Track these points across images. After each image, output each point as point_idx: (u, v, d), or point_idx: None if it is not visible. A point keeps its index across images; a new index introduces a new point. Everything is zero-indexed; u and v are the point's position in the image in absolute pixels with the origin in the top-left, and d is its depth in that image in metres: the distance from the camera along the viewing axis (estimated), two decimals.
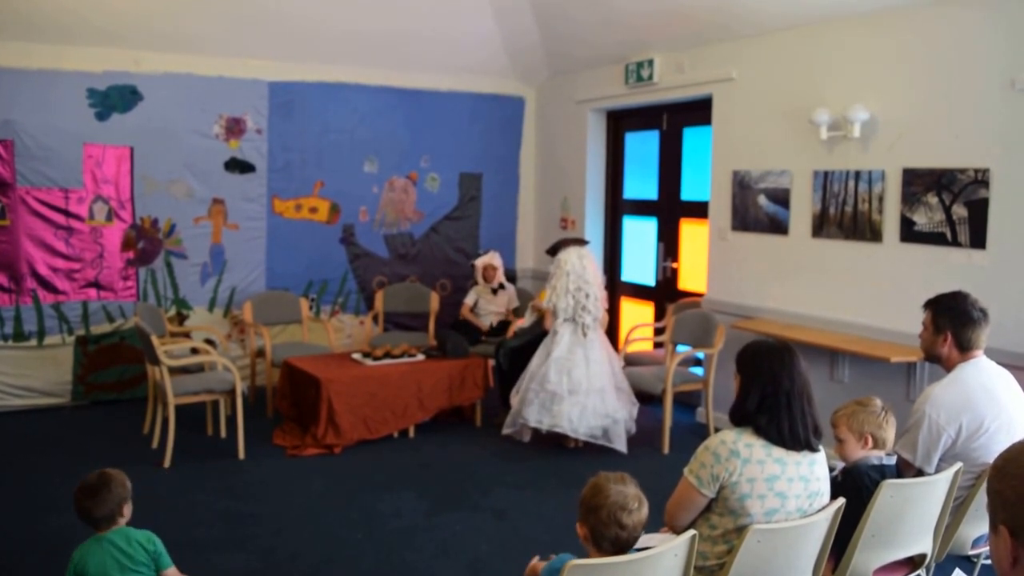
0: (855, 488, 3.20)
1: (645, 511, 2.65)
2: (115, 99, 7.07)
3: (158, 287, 7.47)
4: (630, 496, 2.62)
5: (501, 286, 7.86)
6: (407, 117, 8.39)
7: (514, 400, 6.26)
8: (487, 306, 7.83)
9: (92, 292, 7.20)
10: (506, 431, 6.29)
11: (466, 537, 4.76)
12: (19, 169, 6.77)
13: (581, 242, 6.45)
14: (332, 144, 8.06)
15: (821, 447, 2.98)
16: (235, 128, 7.58)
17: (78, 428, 6.70)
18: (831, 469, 3.16)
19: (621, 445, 6.08)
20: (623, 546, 2.62)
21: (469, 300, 7.88)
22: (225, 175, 7.60)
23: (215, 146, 7.52)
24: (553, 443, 6.26)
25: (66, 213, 7.01)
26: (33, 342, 7.05)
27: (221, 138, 7.54)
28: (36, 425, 6.73)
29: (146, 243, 7.38)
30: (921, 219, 5.30)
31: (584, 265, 6.23)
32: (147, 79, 7.18)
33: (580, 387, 6.02)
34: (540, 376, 6.08)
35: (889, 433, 3.34)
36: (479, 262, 7.86)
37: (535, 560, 2.96)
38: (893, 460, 3.37)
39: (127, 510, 3.16)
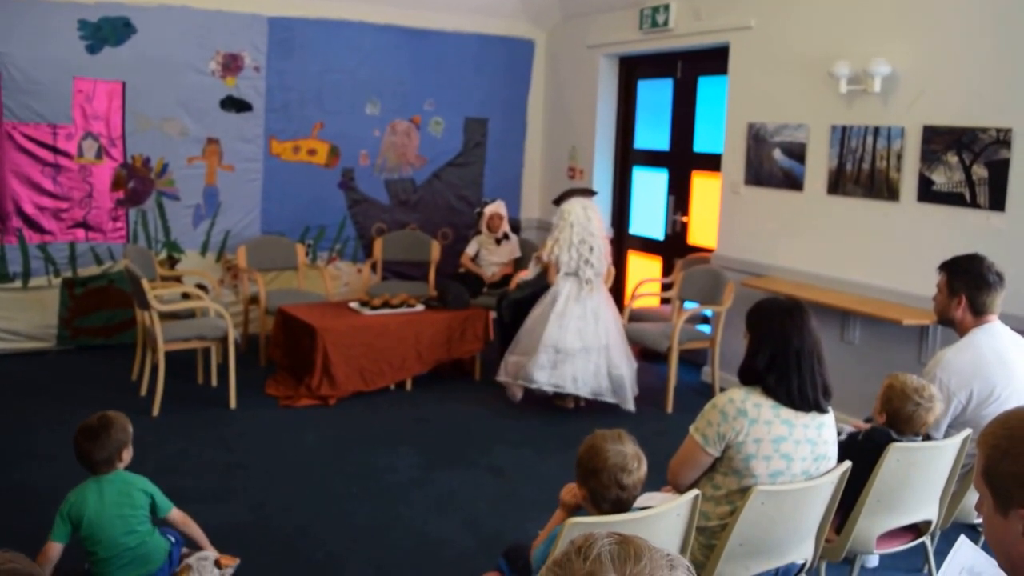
0: (875, 448, 3.15)
1: (644, 469, 2.62)
2: (107, 32, 6.79)
3: (149, 229, 7.27)
4: (629, 456, 2.58)
5: (505, 236, 7.66)
6: (411, 58, 8.13)
7: (511, 359, 6.05)
8: (489, 257, 7.64)
9: (80, 233, 7.00)
10: (502, 379, 6.09)
11: (462, 494, 4.71)
12: (6, 103, 6.53)
13: (589, 192, 6.27)
14: (333, 84, 7.80)
15: (830, 408, 2.98)
16: (232, 65, 7.32)
17: (63, 374, 6.57)
18: (838, 432, 3.14)
19: (630, 404, 5.95)
20: (623, 506, 2.59)
21: (470, 250, 7.68)
22: (221, 114, 7.37)
23: (211, 83, 7.27)
24: (552, 401, 6.12)
25: (54, 150, 6.78)
26: (18, 284, 6.86)
27: (217, 75, 7.28)
28: (19, 370, 6.58)
29: (137, 183, 7.16)
30: (940, 179, 5.19)
31: (589, 216, 6.02)
32: (141, 11, 6.90)
33: (588, 344, 5.85)
34: (546, 334, 5.84)
35: (911, 423, 3.28)
36: (487, 209, 7.63)
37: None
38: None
39: (126, 455, 3.19)
